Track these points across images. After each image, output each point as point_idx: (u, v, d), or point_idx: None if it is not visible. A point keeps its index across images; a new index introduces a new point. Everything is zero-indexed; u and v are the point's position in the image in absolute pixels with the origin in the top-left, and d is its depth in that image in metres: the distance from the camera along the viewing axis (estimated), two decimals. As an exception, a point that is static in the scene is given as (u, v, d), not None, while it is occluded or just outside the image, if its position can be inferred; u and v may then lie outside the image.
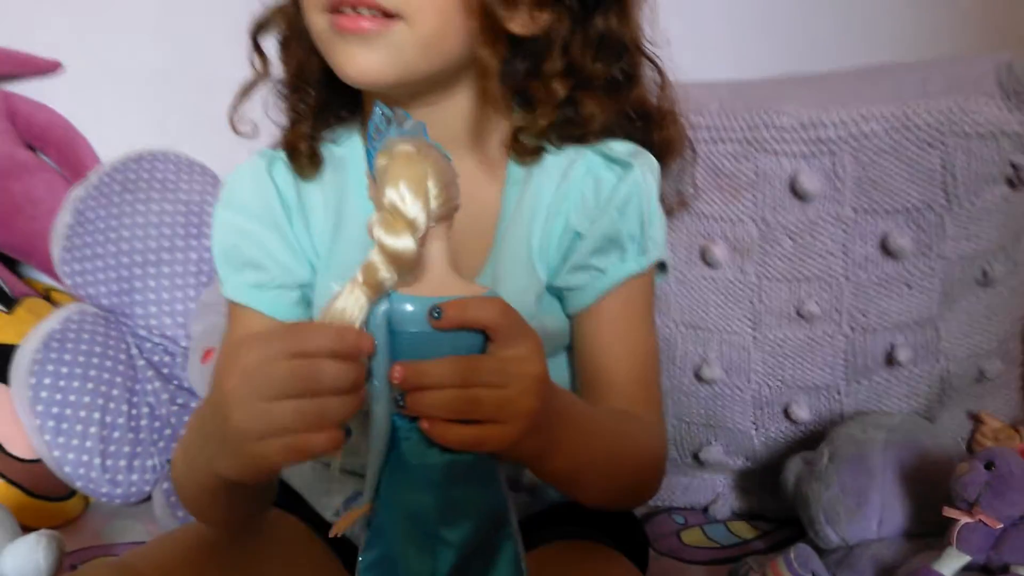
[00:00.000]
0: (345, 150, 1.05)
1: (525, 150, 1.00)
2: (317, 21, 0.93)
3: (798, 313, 1.26)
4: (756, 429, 1.33)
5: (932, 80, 1.24)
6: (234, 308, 1.04)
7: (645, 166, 1.00)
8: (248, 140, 1.06)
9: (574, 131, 1.01)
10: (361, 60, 0.92)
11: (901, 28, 1.53)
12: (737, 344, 1.29)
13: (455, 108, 1.00)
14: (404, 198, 0.68)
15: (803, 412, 1.29)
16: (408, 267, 0.69)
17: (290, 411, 0.69)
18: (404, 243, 0.68)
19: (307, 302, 1.05)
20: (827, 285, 1.25)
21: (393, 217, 0.68)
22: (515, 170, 1.01)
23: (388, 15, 0.89)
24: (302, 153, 1.03)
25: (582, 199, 0.99)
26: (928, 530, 1.10)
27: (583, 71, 1.00)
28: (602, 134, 1.02)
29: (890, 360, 1.26)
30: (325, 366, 0.69)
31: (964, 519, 1.01)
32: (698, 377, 1.31)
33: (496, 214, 1.01)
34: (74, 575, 0.94)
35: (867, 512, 1.13)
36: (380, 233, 0.68)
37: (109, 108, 1.74)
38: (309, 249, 1.04)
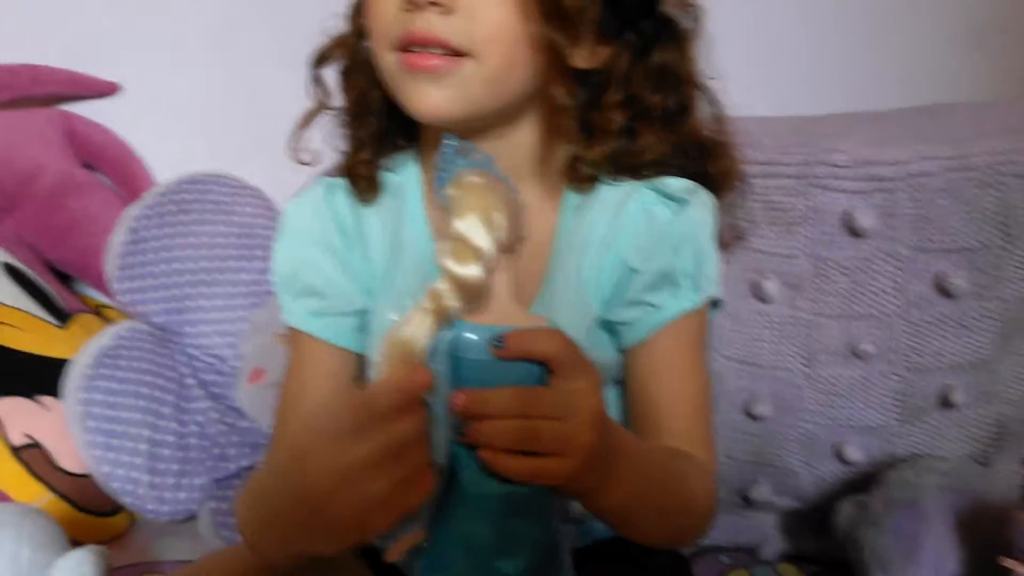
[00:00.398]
0: (402, 178, 1.05)
1: (582, 178, 1.00)
2: (387, 58, 0.94)
3: (852, 351, 1.25)
4: (805, 469, 1.31)
5: (988, 120, 1.23)
6: (295, 335, 1.05)
7: (700, 203, 1.00)
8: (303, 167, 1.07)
9: (630, 161, 1.01)
10: (430, 97, 0.92)
11: (957, 69, 1.53)
12: (788, 381, 1.28)
13: (518, 140, 1.00)
14: (474, 229, 0.69)
15: (855, 453, 1.28)
16: (475, 296, 0.70)
17: (385, 485, 0.70)
18: (472, 272, 0.69)
19: (365, 328, 1.05)
20: (881, 324, 1.23)
21: (463, 247, 0.69)
22: (570, 200, 1.02)
23: (457, 54, 0.90)
24: (362, 178, 1.04)
25: (635, 234, 0.99)
26: None
27: (641, 102, 1.00)
28: (657, 166, 1.01)
29: (945, 402, 1.25)
30: (401, 433, 0.70)
31: (1022, 570, 0.99)
32: (747, 414, 1.30)
33: (550, 243, 1.01)
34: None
35: (920, 559, 1.11)
36: (449, 262, 0.69)
37: (165, 131, 1.77)
38: (367, 275, 1.04)
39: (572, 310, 1.00)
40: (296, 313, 1.04)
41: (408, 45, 0.91)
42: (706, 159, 1.06)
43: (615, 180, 1.01)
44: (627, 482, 0.80)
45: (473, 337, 0.70)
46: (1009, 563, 1.00)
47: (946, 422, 1.26)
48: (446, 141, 0.75)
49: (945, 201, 1.19)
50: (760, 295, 1.27)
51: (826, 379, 1.27)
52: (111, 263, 1.55)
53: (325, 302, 1.04)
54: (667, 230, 0.99)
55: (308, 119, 1.06)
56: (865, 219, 1.20)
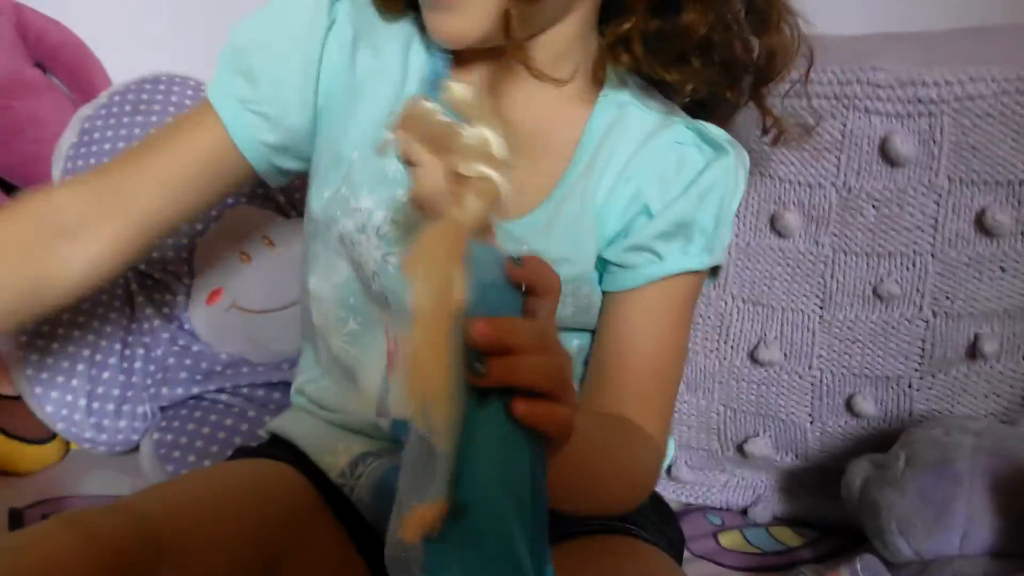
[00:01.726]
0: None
1: (618, 59, 0.95)
2: None
3: (875, 292, 1.15)
4: (812, 422, 1.22)
5: (1051, 42, 1.13)
6: (205, 107, 0.97)
7: (740, 158, 0.96)
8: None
9: (673, 45, 0.93)
10: (442, 26, 0.90)
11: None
12: (801, 324, 1.19)
13: (554, 34, 0.94)
14: (493, 137, 0.61)
15: (868, 405, 1.19)
16: (496, 207, 0.61)
17: None
18: (500, 179, 0.60)
19: (281, 149, 0.99)
20: (911, 262, 1.14)
21: (485, 152, 0.61)
22: (598, 120, 0.96)
23: None
24: None
25: (660, 172, 0.94)
26: (1018, 550, 1.00)
27: None
28: (702, 49, 0.94)
29: (972, 353, 1.15)
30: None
31: None
32: (753, 359, 1.21)
33: (574, 149, 0.95)
34: (75, 514, 0.79)
35: (950, 525, 1.01)
36: (477, 165, 0.60)
37: (127, 31, 1.63)
38: (325, 94, 0.97)
39: (578, 228, 0.94)
40: (220, 88, 0.97)
41: None
42: (764, 28, 0.97)
43: (649, 102, 0.97)
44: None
45: (488, 254, 0.60)
46: None
47: (971, 375, 1.17)
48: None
49: (994, 128, 1.09)
50: (778, 228, 1.17)
51: (842, 322, 1.18)
52: (58, 166, 1.41)
53: (258, 94, 0.96)
54: (697, 178, 0.93)
55: None
56: (904, 145, 1.10)
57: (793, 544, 1.23)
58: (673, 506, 1.24)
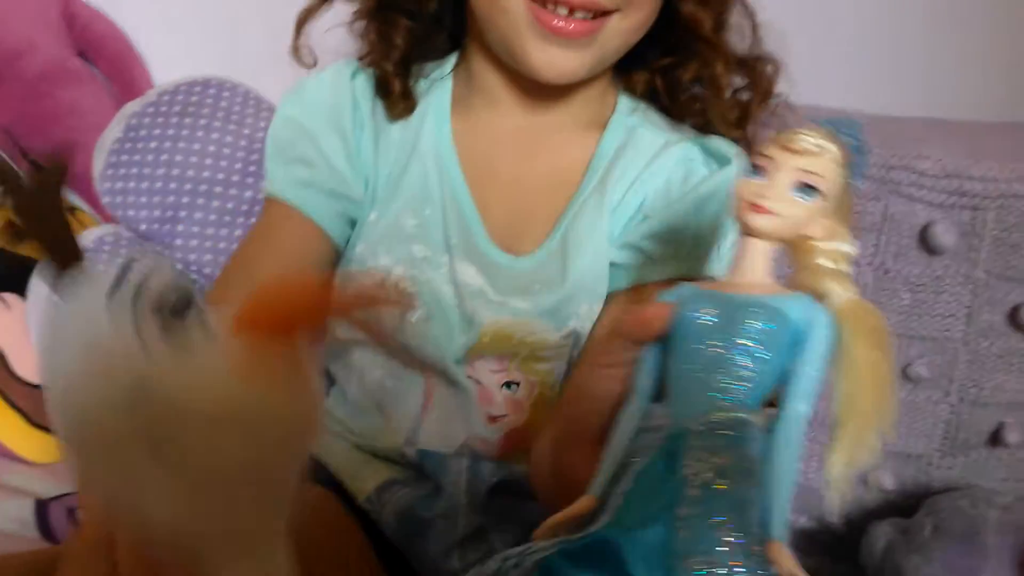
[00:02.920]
0: (429, 85, 1.01)
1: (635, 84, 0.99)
2: (514, 7, 0.87)
3: (903, 373, 1.17)
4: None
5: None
6: (271, 205, 1.00)
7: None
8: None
9: (684, 76, 0.98)
10: (560, 62, 0.88)
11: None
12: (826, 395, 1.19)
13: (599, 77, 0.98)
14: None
15: (887, 480, 1.20)
16: None
17: None
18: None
19: (350, 221, 1.00)
20: (941, 348, 1.16)
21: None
22: (609, 143, 0.97)
23: (604, 12, 0.86)
24: (395, 94, 0.99)
25: (667, 185, 0.94)
26: None
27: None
28: (713, 88, 0.98)
29: (995, 439, 1.17)
30: None
31: None
32: None
33: (578, 182, 0.97)
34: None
35: None
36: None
37: (173, 30, 1.64)
38: (370, 166, 0.99)
39: (594, 237, 0.94)
40: (281, 180, 0.98)
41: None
42: (750, 70, 1.01)
43: (658, 124, 0.99)
44: None
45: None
46: None
47: (992, 459, 1.19)
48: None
49: None
50: None
51: None
52: (100, 159, 1.40)
53: (317, 175, 0.98)
54: (698, 185, 0.93)
55: (311, 12, 1.02)
56: (946, 236, 1.12)
57: (808, 600, 1.24)
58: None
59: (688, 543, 0.55)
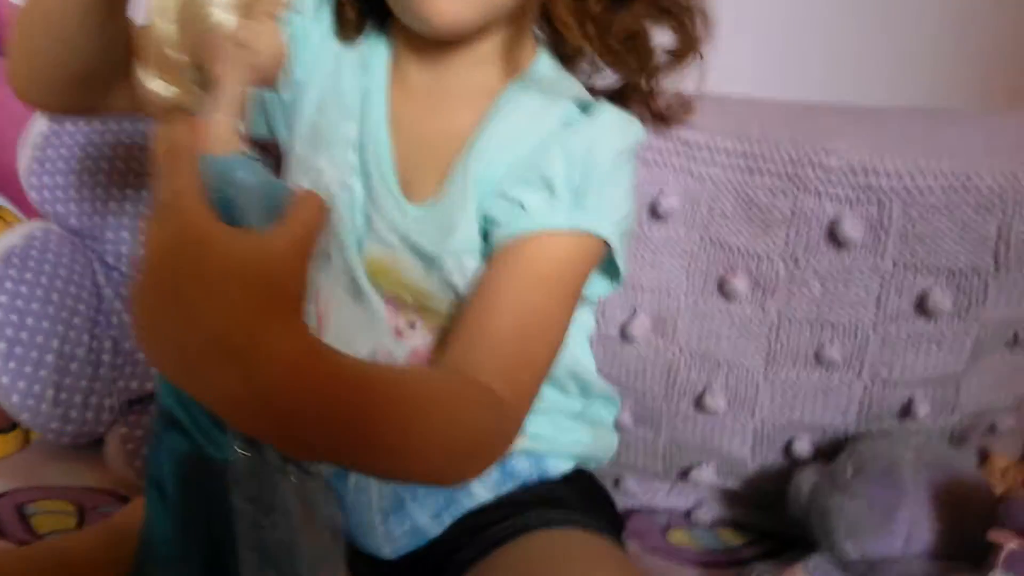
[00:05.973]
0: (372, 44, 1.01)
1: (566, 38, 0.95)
2: None
3: (816, 357, 1.22)
4: (753, 458, 1.29)
5: (999, 135, 1.19)
6: None
7: (616, 118, 0.94)
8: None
9: (612, 31, 0.95)
10: (446, 6, 0.87)
11: (970, 74, 1.48)
12: (745, 379, 1.25)
13: (506, 36, 0.96)
14: None
15: (805, 448, 1.26)
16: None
17: None
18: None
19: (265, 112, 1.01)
20: (852, 334, 1.20)
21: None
22: (504, 103, 0.96)
23: None
24: (347, 17, 1.00)
25: (542, 141, 0.92)
26: (952, 552, 1.10)
27: None
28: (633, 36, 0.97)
29: (906, 412, 1.23)
30: None
31: (1011, 544, 1.01)
32: (699, 406, 1.27)
33: (468, 137, 0.95)
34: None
35: (894, 528, 1.10)
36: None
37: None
38: (312, 55, 0.99)
39: (464, 205, 0.93)
40: None
41: None
42: (681, 22, 0.99)
43: (556, 86, 0.97)
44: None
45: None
46: (1000, 536, 1.02)
47: (903, 429, 1.24)
48: None
49: (940, 221, 1.15)
50: (725, 291, 1.22)
51: (785, 381, 1.24)
52: (25, 154, 1.40)
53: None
54: (568, 137, 0.91)
55: None
56: (853, 230, 1.15)
57: (736, 543, 1.30)
58: (619, 506, 1.28)
59: None
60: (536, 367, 0.88)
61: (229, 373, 0.59)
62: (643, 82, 1.01)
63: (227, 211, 0.60)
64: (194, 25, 0.58)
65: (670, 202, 1.20)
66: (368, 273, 0.97)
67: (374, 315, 0.98)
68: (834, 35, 1.50)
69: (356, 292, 0.98)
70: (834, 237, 1.17)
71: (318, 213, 0.64)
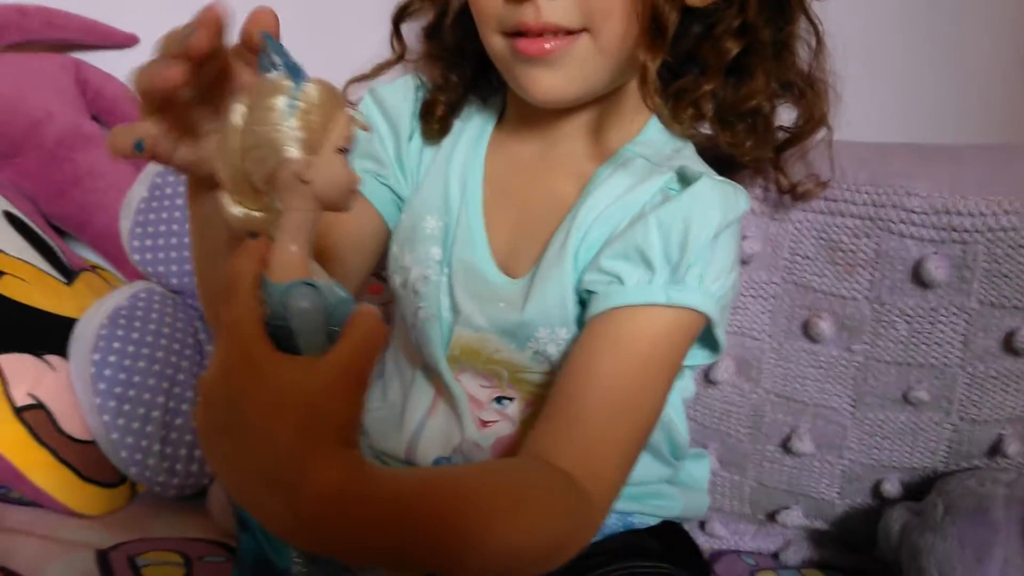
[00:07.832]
0: (465, 123, 1.08)
1: (684, 112, 1.00)
2: (495, 43, 0.94)
3: (904, 398, 1.23)
4: (840, 499, 1.30)
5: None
6: None
7: (717, 189, 0.92)
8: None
9: (734, 107, 1.01)
10: (544, 82, 0.92)
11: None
12: (833, 420, 1.26)
13: (615, 105, 1.00)
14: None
15: (895, 488, 1.27)
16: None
17: None
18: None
19: (399, 209, 1.07)
20: (940, 374, 1.21)
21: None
22: (601, 175, 0.99)
23: (570, 32, 0.90)
24: (436, 119, 1.06)
25: (641, 211, 0.94)
26: None
27: (755, 33, 0.99)
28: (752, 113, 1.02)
29: (995, 450, 1.23)
30: None
31: None
32: (785, 448, 1.28)
33: (567, 211, 0.99)
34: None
35: (988, 568, 1.09)
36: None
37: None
38: (412, 172, 1.07)
39: (562, 264, 0.96)
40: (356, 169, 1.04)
41: (517, 30, 0.91)
42: (805, 96, 1.04)
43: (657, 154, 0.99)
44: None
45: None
46: None
47: (992, 465, 1.24)
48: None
49: None
50: (811, 334, 1.24)
51: (873, 421, 1.25)
52: (127, 219, 1.48)
53: (384, 170, 1.05)
54: (661, 205, 0.93)
55: (383, 68, 1.10)
56: (937, 271, 1.17)
57: (825, 585, 1.30)
58: (705, 551, 1.32)
59: None
60: (625, 447, 0.88)
61: (275, 502, 0.60)
62: (770, 155, 1.06)
63: (286, 338, 0.63)
64: (262, 160, 0.61)
65: (752, 246, 1.23)
66: (458, 356, 1.01)
67: (462, 408, 1.01)
68: (908, 74, 1.54)
69: (441, 389, 1.03)
70: (919, 277, 1.18)
71: (373, 333, 0.64)
